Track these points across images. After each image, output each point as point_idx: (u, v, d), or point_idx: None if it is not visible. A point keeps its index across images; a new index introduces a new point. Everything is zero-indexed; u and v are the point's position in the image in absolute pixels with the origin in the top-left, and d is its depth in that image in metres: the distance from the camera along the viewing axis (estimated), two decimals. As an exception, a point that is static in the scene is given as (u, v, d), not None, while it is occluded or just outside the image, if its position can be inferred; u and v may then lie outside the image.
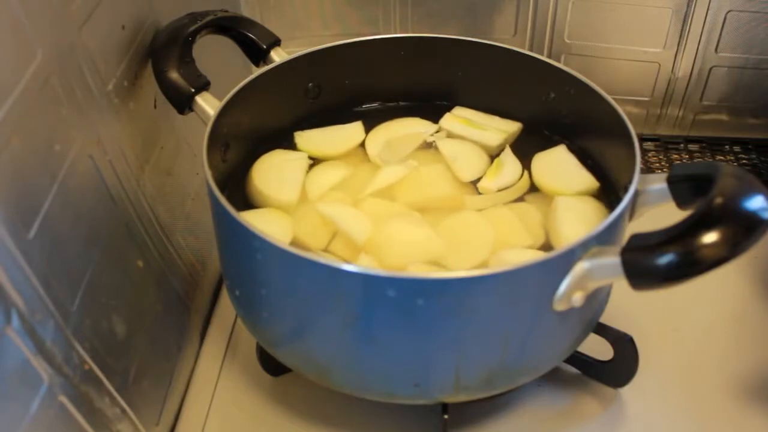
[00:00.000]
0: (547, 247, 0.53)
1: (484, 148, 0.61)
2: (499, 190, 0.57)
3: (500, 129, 0.63)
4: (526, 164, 0.60)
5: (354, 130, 0.63)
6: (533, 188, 0.58)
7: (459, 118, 0.64)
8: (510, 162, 0.59)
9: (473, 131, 0.62)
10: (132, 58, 0.55)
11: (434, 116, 0.64)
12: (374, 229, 0.53)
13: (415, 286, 0.42)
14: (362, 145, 0.62)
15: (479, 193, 0.57)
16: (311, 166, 0.60)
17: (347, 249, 0.52)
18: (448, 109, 0.65)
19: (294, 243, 0.53)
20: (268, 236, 0.43)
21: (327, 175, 0.59)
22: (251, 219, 0.54)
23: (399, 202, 0.56)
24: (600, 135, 0.57)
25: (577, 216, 0.54)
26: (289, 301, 0.47)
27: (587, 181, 0.58)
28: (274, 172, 0.58)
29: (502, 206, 0.56)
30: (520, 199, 0.57)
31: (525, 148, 0.61)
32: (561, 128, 0.61)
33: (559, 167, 0.59)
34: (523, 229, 0.54)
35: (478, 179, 0.58)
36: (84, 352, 0.43)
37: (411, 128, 0.63)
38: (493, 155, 0.61)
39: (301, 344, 0.49)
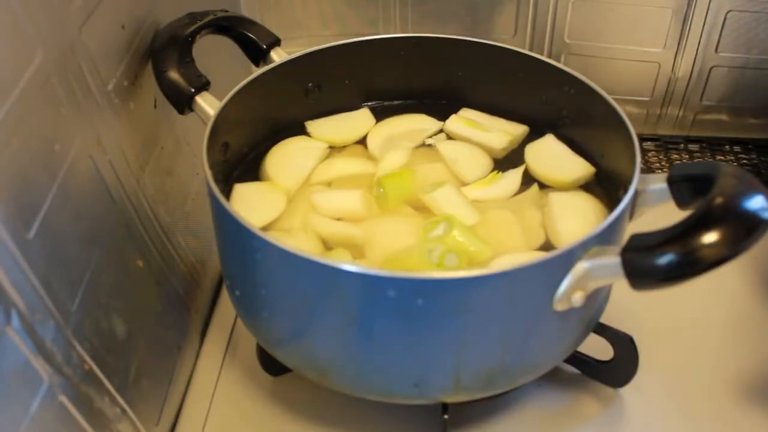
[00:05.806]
0: (547, 247, 0.53)
1: (489, 150, 0.61)
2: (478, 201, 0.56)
3: (505, 131, 0.62)
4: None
5: (363, 117, 0.64)
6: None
7: (464, 120, 0.63)
8: (511, 178, 0.58)
9: (478, 133, 0.62)
10: (132, 58, 0.55)
11: (434, 115, 0.64)
12: (370, 224, 0.53)
13: (415, 286, 0.42)
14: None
15: None
16: None
17: (347, 247, 0.52)
18: (448, 108, 0.65)
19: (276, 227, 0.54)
20: (268, 236, 0.43)
21: (332, 169, 0.59)
22: (243, 189, 0.55)
23: (397, 201, 0.56)
24: (600, 135, 0.57)
25: (573, 211, 0.54)
26: (289, 301, 0.47)
27: (583, 167, 0.58)
28: (288, 157, 0.59)
29: (502, 208, 0.56)
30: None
31: (523, 147, 0.61)
32: (561, 128, 0.61)
33: (553, 157, 0.59)
34: (521, 233, 0.53)
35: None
36: (84, 352, 0.44)
37: (415, 125, 0.63)
38: (499, 158, 0.61)
39: (301, 344, 0.49)
